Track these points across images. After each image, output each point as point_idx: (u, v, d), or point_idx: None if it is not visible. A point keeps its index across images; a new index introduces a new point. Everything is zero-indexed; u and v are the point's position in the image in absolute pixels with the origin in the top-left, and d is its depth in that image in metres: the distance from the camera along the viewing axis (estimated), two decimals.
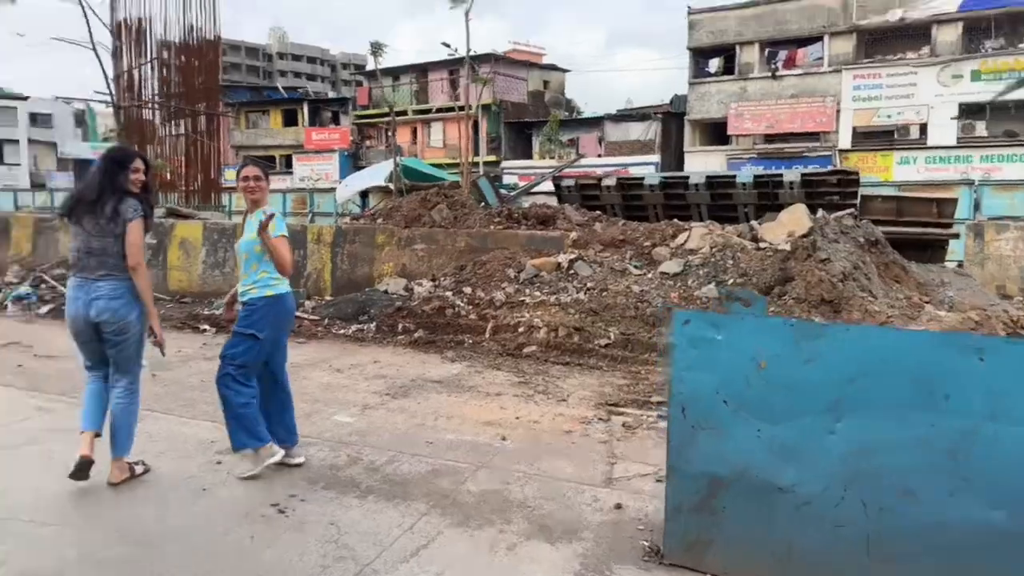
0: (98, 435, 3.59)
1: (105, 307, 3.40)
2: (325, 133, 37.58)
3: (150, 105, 17.76)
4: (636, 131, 30.92)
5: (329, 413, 4.98)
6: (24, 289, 8.90)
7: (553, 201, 11.30)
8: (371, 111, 37.46)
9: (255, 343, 3.68)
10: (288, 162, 37.63)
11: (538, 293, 7.54)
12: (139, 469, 3.67)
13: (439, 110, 34.80)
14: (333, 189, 22.97)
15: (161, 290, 9.68)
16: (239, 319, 3.75)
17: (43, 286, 9.15)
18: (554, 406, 5.21)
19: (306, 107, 39.20)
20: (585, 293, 7.27)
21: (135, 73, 17.59)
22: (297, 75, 76.29)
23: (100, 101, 15.92)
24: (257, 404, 3.74)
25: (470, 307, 7.70)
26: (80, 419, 3.59)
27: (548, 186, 12.40)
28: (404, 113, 35.56)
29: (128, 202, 3.45)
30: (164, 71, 18.05)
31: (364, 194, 18.67)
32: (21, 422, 4.68)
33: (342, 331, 7.77)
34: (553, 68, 38.91)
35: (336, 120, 39.11)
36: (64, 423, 4.62)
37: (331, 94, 52.12)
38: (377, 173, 17.27)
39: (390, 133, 35.86)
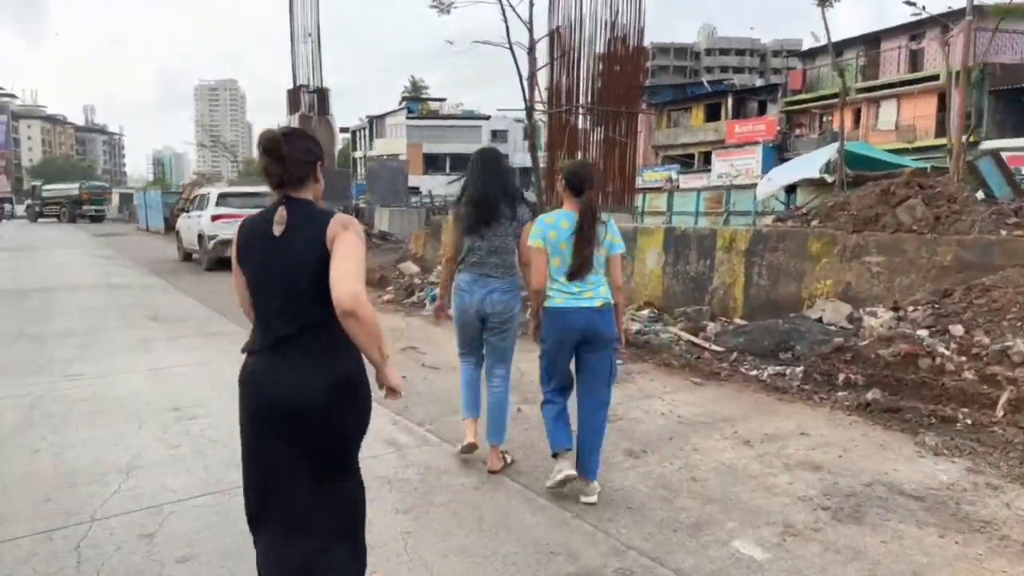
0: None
1: (499, 299, 3.64)
2: (749, 125, 35.03)
3: (573, 109, 18.17)
4: None
5: (726, 530, 3.14)
6: (438, 292, 9.20)
7: None
8: (803, 96, 33.50)
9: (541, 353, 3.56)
10: (707, 159, 36.25)
11: None
12: (509, 459, 3.85)
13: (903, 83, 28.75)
14: (753, 185, 20.64)
15: None
16: None
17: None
18: None
19: (730, 99, 37.19)
20: None
21: (559, 78, 18.24)
22: (724, 70, 74.55)
23: (514, 110, 16.75)
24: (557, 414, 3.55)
25: (962, 359, 4.93)
26: (461, 407, 3.96)
27: None
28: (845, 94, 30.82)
29: (524, 205, 3.72)
30: (588, 75, 18.32)
31: (791, 189, 15.97)
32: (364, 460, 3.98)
33: (754, 372, 5.79)
34: None
35: (763, 110, 36.17)
36: (404, 471, 3.79)
37: (759, 83, 48.83)
38: (809, 163, 14.43)
39: (825, 118, 31.51)
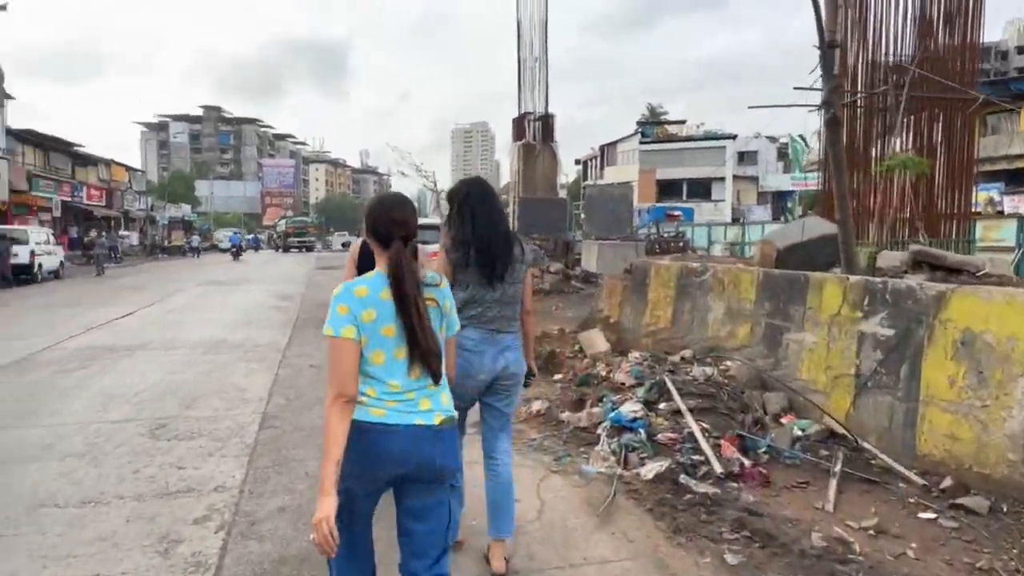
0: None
1: (514, 358, 3.02)
2: None
3: (879, 103, 12.51)
4: None
5: None
6: (632, 409, 4.66)
7: None
8: None
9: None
10: None
11: None
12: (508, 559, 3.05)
13: None
14: None
15: (896, 452, 4.00)
16: None
17: (663, 405, 4.76)
18: None
19: None
20: None
21: (853, 56, 12.78)
22: None
23: (787, 105, 11.53)
24: None
25: None
26: None
27: None
28: None
29: (527, 244, 3.14)
30: (899, 48, 12.66)
31: None
32: None
33: None
34: None
35: None
36: None
37: None
38: None
39: None
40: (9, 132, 28.48)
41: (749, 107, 12.66)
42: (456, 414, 2.12)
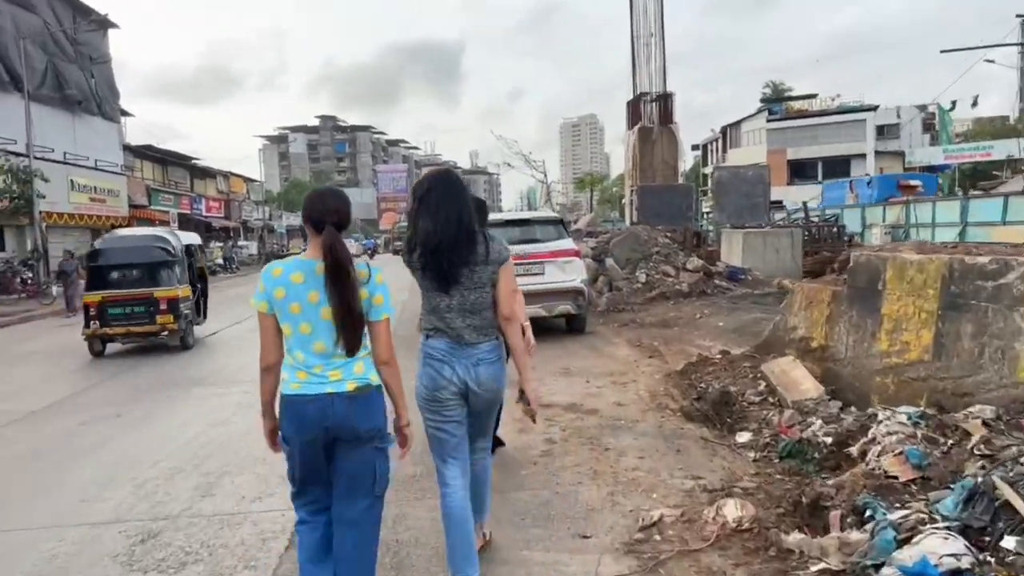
0: None
1: (488, 374, 2.71)
2: None
3: None
4: None
5: None
6: (946, 552, 2.37)
7: None
8: None
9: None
10: None
11: None
12: (488, 534, 3.13)
13: None
14: None
15: None
16: None
17: (1012, 542, 2.44)
18: None
19: None
20: None
21: None
22: None
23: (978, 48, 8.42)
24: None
25: None
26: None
27: None
28: None
29: (495, 240, 2.70)
30: None
31: None
32: None
33: None
34: None
35: None
36: None
37: None
38: None
39: None
40: (127, 148, 29.33)
41: (942, 51, 9.69)
42: (378, 381, 2.30)
